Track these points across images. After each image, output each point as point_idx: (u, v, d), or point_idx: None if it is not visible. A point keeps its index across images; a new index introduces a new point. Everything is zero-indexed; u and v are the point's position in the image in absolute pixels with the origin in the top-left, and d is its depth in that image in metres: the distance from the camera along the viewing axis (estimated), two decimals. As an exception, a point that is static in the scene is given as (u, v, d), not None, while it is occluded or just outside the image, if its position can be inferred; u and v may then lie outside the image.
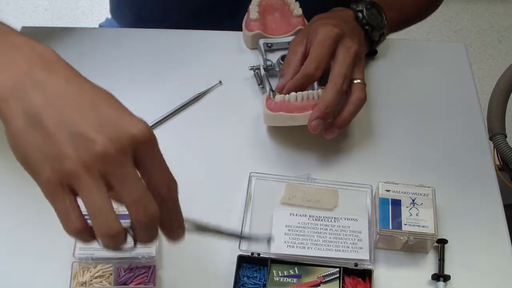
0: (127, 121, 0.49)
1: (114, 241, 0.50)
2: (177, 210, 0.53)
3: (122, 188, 0.48)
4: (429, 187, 0.72)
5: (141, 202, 0.49)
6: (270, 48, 0.87)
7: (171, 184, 0.51)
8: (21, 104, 0.48)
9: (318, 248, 0.70)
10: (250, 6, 0.88)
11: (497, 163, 1.10)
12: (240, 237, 0.69)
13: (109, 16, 1.16)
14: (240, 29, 0.91)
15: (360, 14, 0.82)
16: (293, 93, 0.75)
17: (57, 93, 0.48)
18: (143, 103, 0.83)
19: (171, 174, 0.52)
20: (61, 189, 0.48)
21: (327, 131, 0.76)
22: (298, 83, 0.77)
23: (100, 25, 1.20)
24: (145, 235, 0.51)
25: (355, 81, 0.76)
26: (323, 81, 0.77)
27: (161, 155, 0.51)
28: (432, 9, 0.98)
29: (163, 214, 0.51)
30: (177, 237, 0.54)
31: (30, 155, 0.49)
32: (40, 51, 0.51)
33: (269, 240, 0.69)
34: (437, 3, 0.97)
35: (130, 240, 0.52)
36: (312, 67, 0.76)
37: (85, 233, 0.49)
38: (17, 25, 0.81)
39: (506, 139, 1.17)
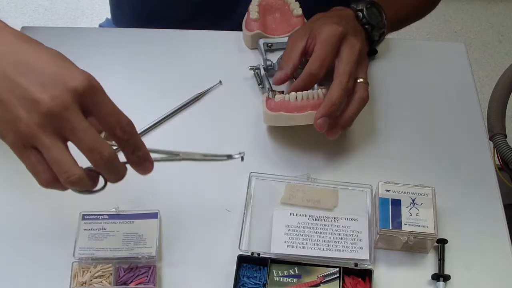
0: (67, 76, 0.53)
1: (80, 185, 0.55)
2: (138, 145, 0.57)
3: (75, 140, 0.54)
4: (429, 187, 0.72)
5: (95, 149, 0.54)
6: (270, 48, 0.87)
7: (124, 123, 0.56)
8: None
9: (318, 248, 0.70)
10: (250, 6, 0.88)
11: (497, 163, 1.10)
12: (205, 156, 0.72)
13: (109, 16, 1.16)
14: (239, 26, 0.91)
15: (360, 14, 0.82)
16: (293, 93, 0.75)
17: (1, 63, 0.53)
18: (143, 103, 0.83)
19: (122, 114, 0.56)
20: (25, 149, 0.54)
21: (330, 132, 0.76)
22: (303, 83, 0.76)
23: (100, 25, 1.20)
24: (110, 176, 0.57)
25: (358, 80, 0.76)
26: (323, 81, 0.77)
27: (107, 99, 0.55)
28: (431, 7, 0.98)
29: (126, 151, 0.57)
30: (146, 170, 0.60)
31: None
32: None
33: (229, 156, 0.71)
34: (435, 1, 0.97)
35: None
36: (317, 66, 0.75)
37: (55, 183, 0.55)
38: (17, 25, 0.81)
39: (506, 139, 1.17)
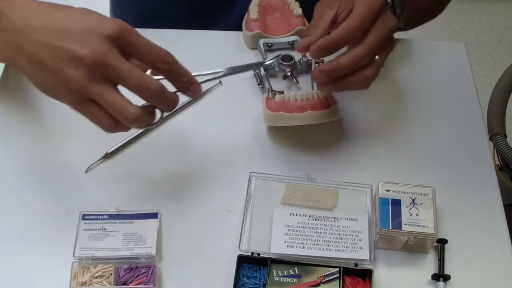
0: (99, 27, 0.59)
1: (138, 121, 0.61)
2: (181, 72, 0.64)
3: (122, 81, 0.59)
4: (429, 187, 0.72)
5: (142, 85, 0.59)
6: (270, 48, 0.87)
7: (163, 55, 0.61)
8: (23, 57, 0.60)
9: (318, 248, 0.70)
10: (250, 6, 0.88)
11: (497, 163, 1.10)
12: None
13: (109, 16, 1.16)
14: (236, 24, 0.91)
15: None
16: (292, 93, 0.75)
17: (40, 34, 0.59)
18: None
19: (159, 48, 0.61)
20: (82, 103, 0.60)
21: (321, 86, 0.73)
22: (336, 40, 0.69)
23: (100, 25, 1.20)
24: (163, 106, 0.63)
25: (376, 57, 0.71)
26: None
27: (141, 38, 0.61)
28: (442, 6, 0.96)
29: (172, 80, 0.64)
30: (195, 92, 0.66)
31: (49, 90, 0.61)
32: (17, 6, 0.61)
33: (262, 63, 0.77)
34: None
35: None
36: (357, 24, 0.68)
37: (118, 126, 0.62)
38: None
39: (506, 139, 1.17)
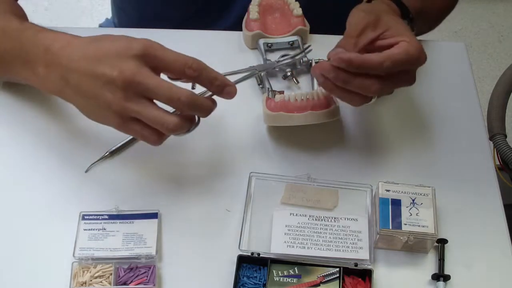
0: (125, 48, 0.63)
1: (179, 129, 0.65)
2: (212, 76, 0.66)
3: (153, 96, 0.63)
4: (429, 187, 0.72)
5: (172, 98, 0.63)
6: (270, 48, 0.87)
7: (190, 63, 0.64)
8: (70, 89, 0.66)
9: (318, 248, 0.70)
10: (250, 6, 0.88)
11: (497, 163, 1.10)
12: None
13: (109, 16, 1.16)
14: (235, 23, 0.91)
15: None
16: (292, 93, 0.75)
17: (81, 66, 0.65)
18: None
19: (186, 57, 0.65)
20: (126, 123, 0.65)
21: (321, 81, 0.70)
22: (371, 65, 0.68)
23: (100, 25, 1.20)
24: (199, 113, 0.67)
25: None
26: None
27: (167, 51, 0.65)
28: (453, 3, 0.95)
29: (205, 85, 0.67)
30: (230, 94, 0.68)
31: (97, 117, 0.67)
32: (61, 44, 0.68)
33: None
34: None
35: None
36: (397, 65, 0.68)
37: (162, 137, 0.66)
38: (17, 25, 0.81)
39: (506, 139, 1.17)
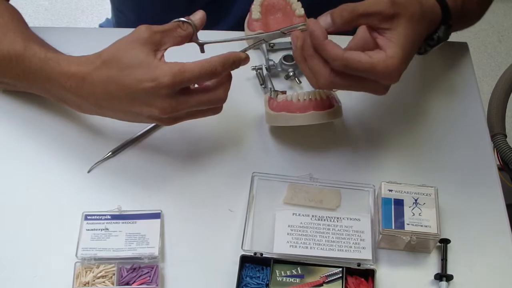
0: (155, 87, 0.65)
1: (227, 91, 0.71)
2: (227, 67, 0.69)
3: (186, 116, 0.70)
4: (431, 187, 0.72)
5: (215, 106, 0.71)
6: (272, 48, 0.87)
7: (215, 68, 0.67)
8: (108, 114, 0.72)
9: (321, 248, 0.70)
10: (252, 6, 0.88)
11: (497, 163, 1.10)
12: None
13: (109, 16, 1.16)
14: (237, 24, 0.91)
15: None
16: (295, 93, 0.75)
17: (112, 105, 0.70)
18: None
19: (209, 62, 0.67)
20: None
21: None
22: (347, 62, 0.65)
23: (100, 25, 1.20)
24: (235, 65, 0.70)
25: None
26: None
27: (192, 68, 0.66)
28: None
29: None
30: (245, 62, 0.70)
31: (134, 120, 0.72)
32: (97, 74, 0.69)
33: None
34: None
35: None
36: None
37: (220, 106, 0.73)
38: (19, 25, 0.80)
39: (506, 139, 1.17)
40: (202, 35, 0.91)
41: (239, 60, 0.69)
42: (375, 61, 0.65)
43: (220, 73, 0.68)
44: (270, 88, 0.81)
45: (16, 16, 0.80)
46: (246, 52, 0.71)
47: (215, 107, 0.71)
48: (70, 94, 0.71)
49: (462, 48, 0.92)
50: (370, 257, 0.69)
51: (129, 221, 0.71)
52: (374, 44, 0.69)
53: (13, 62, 0.74)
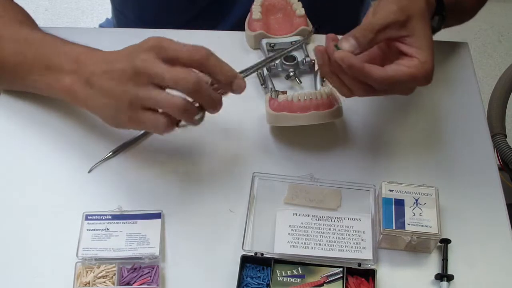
0: (139, 46, 0.67)
1: (188, 110, 0.66)
2: (219, 67, 0.66)
3: (162, 81, 0.65)
4: (432, 187, 0.72)
5: (180, 79, 0.64)
6: (272, 48, 0.87)
7: (199, 48, 0.66)
8: (94, 91, 0.70)
9: (322, 248, 0.70)
10: (253, 6, 0.88)
11: (497, 163, 1.11)
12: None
13: (109, 16, 1.16)
14: (237, 23, 0.91)
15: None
16: (295, 93, 0.75)
17: (100, 68, 0.69)
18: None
19: (192, 46, 0.66)
20: (139, 113, 0.67)
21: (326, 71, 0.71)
22: (370, 75, 0.67)
23: (100, 25, 1.20)
24: (207, 101, 0.67)
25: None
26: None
27: (173, 44, 0.66)
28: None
29: (214, 73, 0.66)
30: (240, 87, 0.68)
31: (113, 117, 0.70)
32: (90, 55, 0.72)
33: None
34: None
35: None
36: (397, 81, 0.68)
37: (173, 123, 0.67)
38: (20, 25, 0.80)
39: (506, 139, 1.18)
40: (202, 35, 0.92)
41: (226, 71, 0.67)
42: (414, 70, 0.67)
43: (201, 60, 0.66)
44: (271, 88, 0.81)
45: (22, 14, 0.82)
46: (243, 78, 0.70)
47: (169, 118, 0.67)
48: (66, 73, 0.72)
49: (462, 48, 0.92)
50: (370, 257, 0.69)
51: (130, 221, 0.71)
52: (380, 54, 0.72)
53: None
